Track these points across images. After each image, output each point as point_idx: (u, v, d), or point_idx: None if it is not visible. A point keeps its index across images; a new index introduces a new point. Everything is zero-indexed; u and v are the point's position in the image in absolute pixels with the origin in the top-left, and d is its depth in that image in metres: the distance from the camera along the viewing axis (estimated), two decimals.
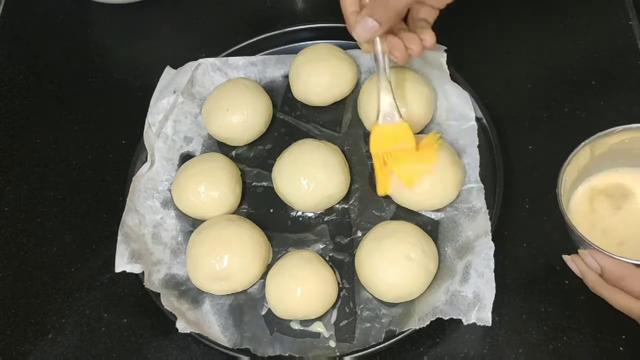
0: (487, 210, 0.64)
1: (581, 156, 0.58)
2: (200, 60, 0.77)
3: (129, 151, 0.74)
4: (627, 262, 0.52)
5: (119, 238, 0.66)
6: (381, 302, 0.63)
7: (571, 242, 0.57)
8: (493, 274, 0.60)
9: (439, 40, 0.74)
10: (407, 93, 0.70)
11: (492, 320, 0.58)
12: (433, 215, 0.67)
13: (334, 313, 0.64)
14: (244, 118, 0.72)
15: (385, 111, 0.64)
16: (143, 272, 0.65)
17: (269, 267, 0.66)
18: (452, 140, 0.70)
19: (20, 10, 0.91)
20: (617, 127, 0.57)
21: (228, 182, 0.69)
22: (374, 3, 0.58)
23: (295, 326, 0.63)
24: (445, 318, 0.59)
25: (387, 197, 0.68)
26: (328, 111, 0.76)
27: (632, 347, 0.59)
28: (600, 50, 0.76)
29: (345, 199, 0.70)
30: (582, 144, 0.57)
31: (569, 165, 0.57)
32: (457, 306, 0.59)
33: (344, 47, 0.76)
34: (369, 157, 0.72)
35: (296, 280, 0.62)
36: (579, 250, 0.55)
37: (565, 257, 0.57)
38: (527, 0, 0.81)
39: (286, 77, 0.78)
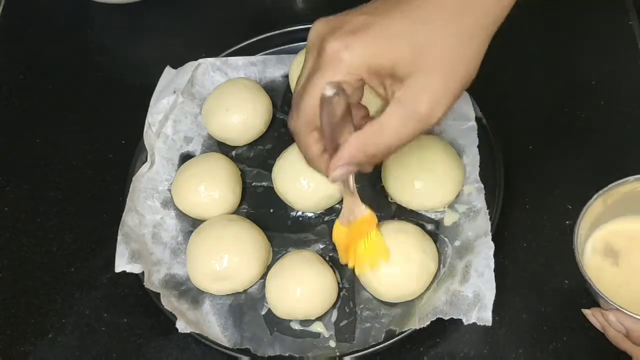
0: (487, 210, 0.64)
1: (595, 208, 0.56)
2: (200, 60, 0.77)
3: (129, 151, 0.74)
4: None
5: (119, 238, 0.66)
6: (381, 302, 0.63)
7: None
8: (493, 274, 0.60)
9: None
10: None
11: (492, 320, 0.58)
12: (433, 215, 0.67)
13: (334, 313, 0.64)
14: (244, 118, 0.72)
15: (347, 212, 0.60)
16: (143, 272, 0.65)
17: (269, 267, 0.66)
18: (452, 140, 0.70)
19: (20, 10, 0.91)
20: (630, 177, 0.56)
21: (228, 182, 0.69)
22: (353, 149, 0.49)
23: (295, 326, 0.63)
24: (446, 318, 0.59)
25: (387, 197, 0.69)
26: None
27: None
28: (601, 50, 0.76)
29: None
30: (596, 195, 0.56)
31: (583, 219, 0.56)
32: (458, 306, 0.59)
33: None
34: None
35: (296, 280, 0.62)
36: (602, 311, 0.54)
37: (585, 312, 0.56)
38: (526, 1, 0.81)
39: (286, 77, 0.78)
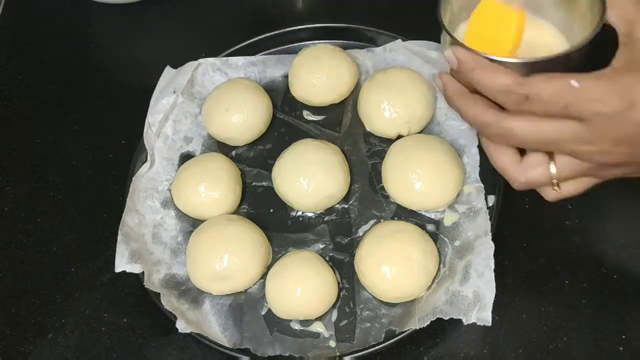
0: (487, 210, 0.64)
1: None
2: (200, 60, 0.77)
3: (129, 151, 0.74)
4: (482, 56, 0.48)
5: (119, 238, 0.66)
6: (381, 302, 0.63)
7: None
8: (493, 274, 0.60)
9: (439, 40, 0.74)
10: (407, 93, 0.70)
11: (492, 320, 0.58)
12: (433, 215, 0.67)
13: (334, 313, 0.64)
14: (244, 118, 0.72)
15: None
16: (143, 272, 0.65)
17: (269, 267, 0.66)
18: (452, 140, 0.70)
19: (20, 10, 0.92)
20: None
21: (228, 182, 0.69)
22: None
23: (295, 326, 0.63)
24: (445, 318, 0.59)
25: (387, 197, 0.69)
26: (328, 111, 0.76)
27: (632, 347, 0.59)
28: (601, 51, 0.76)
29: (345, 199, 0.70)
30: None
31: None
32: (457, 306, 0.59)
33: (344, 47, 0.76)
34: (369, 157, 0.72)
35: (296, 280, 0.62)
36: (441, 50, 0.52)
37: (433, 74, 0.55)
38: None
39: (286, 77, 0.78)
